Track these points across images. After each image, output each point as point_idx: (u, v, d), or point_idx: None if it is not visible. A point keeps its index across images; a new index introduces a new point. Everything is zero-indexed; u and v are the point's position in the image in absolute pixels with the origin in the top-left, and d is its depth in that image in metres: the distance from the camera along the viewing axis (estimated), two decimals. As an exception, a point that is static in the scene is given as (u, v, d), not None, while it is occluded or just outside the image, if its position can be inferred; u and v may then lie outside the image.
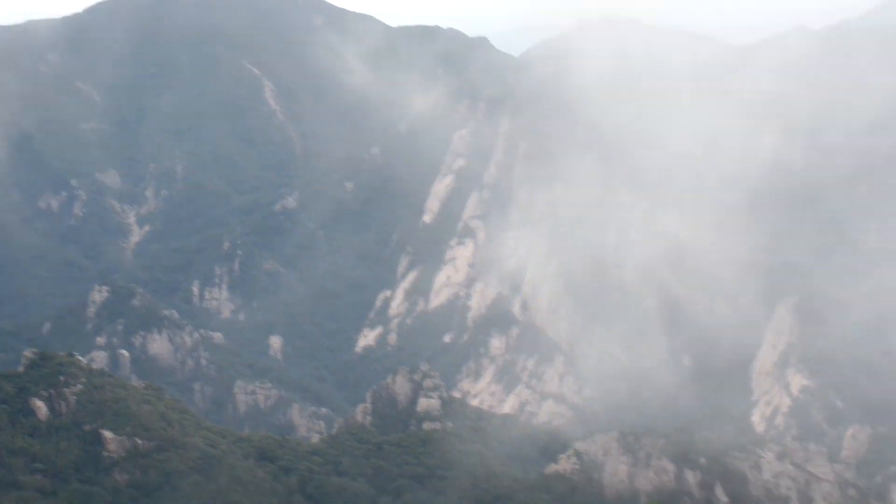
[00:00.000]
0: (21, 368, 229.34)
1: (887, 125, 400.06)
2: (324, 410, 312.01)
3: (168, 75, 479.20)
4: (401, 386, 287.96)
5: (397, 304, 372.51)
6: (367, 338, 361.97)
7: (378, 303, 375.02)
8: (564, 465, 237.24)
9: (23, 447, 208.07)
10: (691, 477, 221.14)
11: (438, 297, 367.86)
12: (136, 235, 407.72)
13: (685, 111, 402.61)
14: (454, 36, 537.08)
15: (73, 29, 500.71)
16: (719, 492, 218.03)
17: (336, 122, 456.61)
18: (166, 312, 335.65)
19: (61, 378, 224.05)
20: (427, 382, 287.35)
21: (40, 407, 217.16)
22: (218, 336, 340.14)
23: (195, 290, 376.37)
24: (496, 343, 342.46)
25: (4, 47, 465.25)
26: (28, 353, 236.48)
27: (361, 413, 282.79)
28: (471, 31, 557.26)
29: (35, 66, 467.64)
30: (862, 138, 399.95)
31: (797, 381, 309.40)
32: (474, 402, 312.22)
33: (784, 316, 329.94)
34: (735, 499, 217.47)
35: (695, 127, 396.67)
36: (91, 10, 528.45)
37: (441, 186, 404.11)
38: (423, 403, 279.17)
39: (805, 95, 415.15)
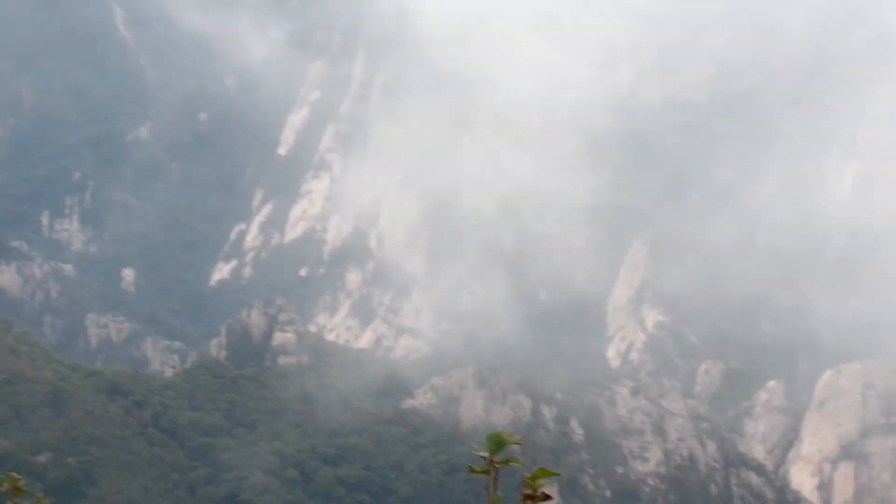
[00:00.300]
0: None
1: (735, 68, 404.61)
2: (177, 344, 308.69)
3: (15, 1, 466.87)
4: (256, 320, 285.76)
5: (252, 237, 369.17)
6: (222, 271, 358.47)
7: (233, 236, 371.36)
8: (421, 399, 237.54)
9: None
10: (547, 411, 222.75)
11: (294, 230, 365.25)
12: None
13: (532, 53, 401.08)
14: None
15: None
16: (574, 425, 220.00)
17: (189, 53, 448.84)
18: (15, 244, 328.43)
19: None
20: (282, 316, 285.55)
21: None
22: (68, 268, 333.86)
23: (45, 221, 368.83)
24: (352, 278, 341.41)
25: None
26: None
27: (216, 347, 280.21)
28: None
29: None
30: (709, 82, 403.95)
31: (652, 316, 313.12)
32: (330, 337, 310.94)
33: (638, 252, 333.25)
34: (590, 433, 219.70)
35: (540, 69, 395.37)
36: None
37: (296, 119, 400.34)
38: (279, 338, 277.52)
39: (651, 40, 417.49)
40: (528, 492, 10.16)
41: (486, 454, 10.70)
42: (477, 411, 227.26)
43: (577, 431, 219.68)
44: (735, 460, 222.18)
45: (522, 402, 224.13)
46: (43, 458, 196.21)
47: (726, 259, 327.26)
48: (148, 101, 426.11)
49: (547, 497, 10.12)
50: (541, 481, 10.19)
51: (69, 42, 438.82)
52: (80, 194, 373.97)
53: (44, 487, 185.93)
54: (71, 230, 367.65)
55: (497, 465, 10.47)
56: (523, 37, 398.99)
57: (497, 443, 10.75)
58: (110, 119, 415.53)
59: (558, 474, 10.17)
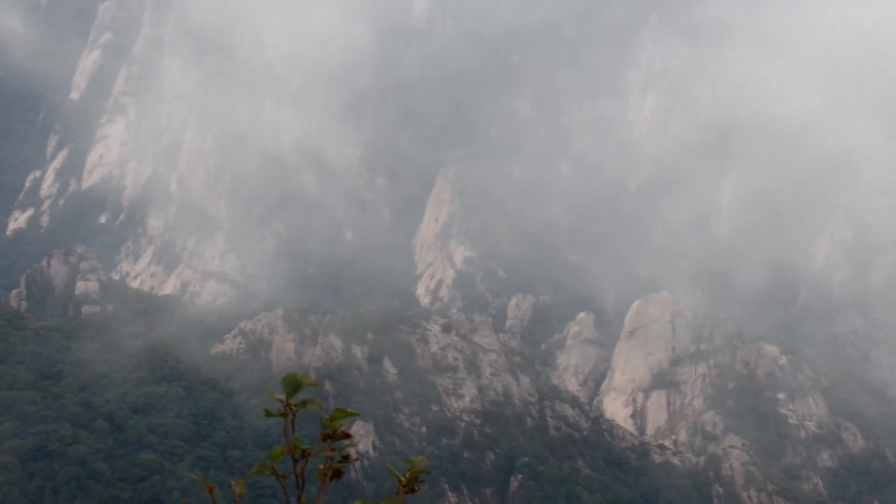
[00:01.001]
0: None
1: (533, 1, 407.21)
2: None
3: None
4: (56, 269, 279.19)
5: (48, 184, 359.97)
6: (18, 220, 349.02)
7: (28, 184, 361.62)
8: (230, 344, 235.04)
9: None
10: (359, 352, 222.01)
11: (91, 176, 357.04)
12: None
13: (293, 9, 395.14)
14: None
15: None
16: (388, 364, 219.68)
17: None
18: None
19: None
20: (84, 265, 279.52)
21: None
22: None
23: None
24: (154, 222, 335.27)
25: None
26: None
27: (16, 298, 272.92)
28: None
29: None
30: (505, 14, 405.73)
31: (460, 252, 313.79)
32: (134, 284, 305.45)
33: (443, 190, 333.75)
34: (403, 371, 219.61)
35: (303, 25, 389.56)
36: None
37: (88, 62, 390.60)
38: (81, 287, 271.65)
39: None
40: (327, 432, 10.16)
41: (283, 397, 10.31)
42: (288, 354, 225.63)
43: (391, 371, 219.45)
44: (549, 393, 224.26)
45: (333, 343, 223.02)
46: None
47: (531, 193, 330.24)
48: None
49: (347, 436, 10.28)
50: (340, 421, 10.26)
51: None
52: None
53: None
54: None
55: (293, 408, 10.36)
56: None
57: (293, 385, 10.46)
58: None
59: (356, 414, 10.32)
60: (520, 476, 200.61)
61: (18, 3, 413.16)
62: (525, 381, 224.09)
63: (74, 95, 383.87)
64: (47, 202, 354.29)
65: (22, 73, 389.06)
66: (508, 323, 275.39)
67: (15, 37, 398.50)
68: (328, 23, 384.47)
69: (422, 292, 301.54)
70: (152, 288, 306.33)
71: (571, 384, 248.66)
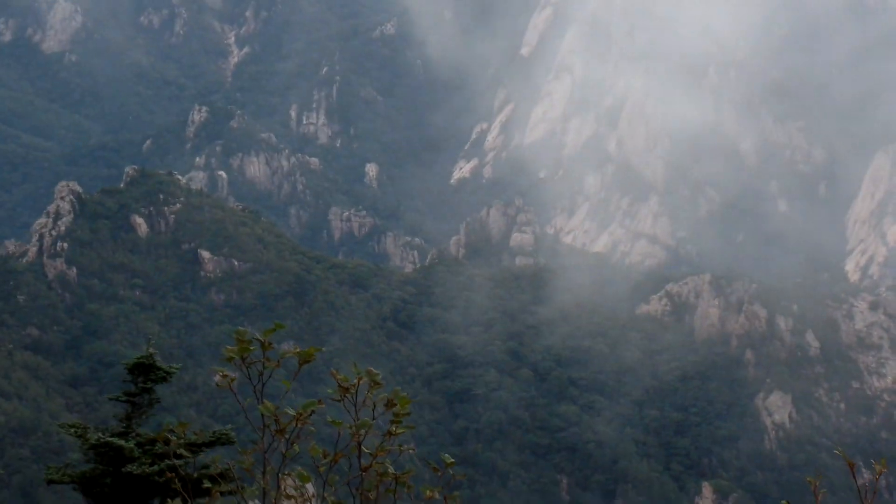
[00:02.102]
0: (122, 185, 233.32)
1: None
2: (417, 240, 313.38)
3: None
4: (495, 220, 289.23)
5: (493, 137, 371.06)
6: (463, 170, 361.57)
7: (474, 135, 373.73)
8: (655, 305, 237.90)
9: (123, 262, 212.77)
10: (783, 323, 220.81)
11: (534, 132, 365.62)
12: (236, 56, 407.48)
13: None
14: None
15: None
16: (810, 338, 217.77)
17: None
18: (264, 135, 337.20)
19: (161, 196, 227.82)
20: (521, 217, 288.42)
21: (140, 224, 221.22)
22: (314, 161, 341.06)
23: (293, 114, 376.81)
24: (591, 181, 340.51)
25: None
26: (129, 169, 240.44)
27: (455, 245, 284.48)
28: None
29: None
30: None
31: (894, 230, 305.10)
32: (567, 240, 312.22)
33: (882, 165, 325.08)
34: (826, 346, 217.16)
35: None
36: None
37: (539, 20, 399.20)
38: (517, 238, 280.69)
39: None
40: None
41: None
42: (712, 320, 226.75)
43: (813, 344, 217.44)
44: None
45: (758, 313, 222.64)
46: (286, 346, 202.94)
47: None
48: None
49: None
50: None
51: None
52: (328, 89, 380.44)
53: (285, 375, 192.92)
54: (317, 124, 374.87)
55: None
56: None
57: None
58: (358, 15, 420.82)
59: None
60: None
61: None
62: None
63: (524, 52, 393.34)
64: (491, 154, 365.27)
65: (474, 26, 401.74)
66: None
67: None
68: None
69: (851, 268, 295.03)
70: (584, 244, 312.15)
71: None
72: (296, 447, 11.15)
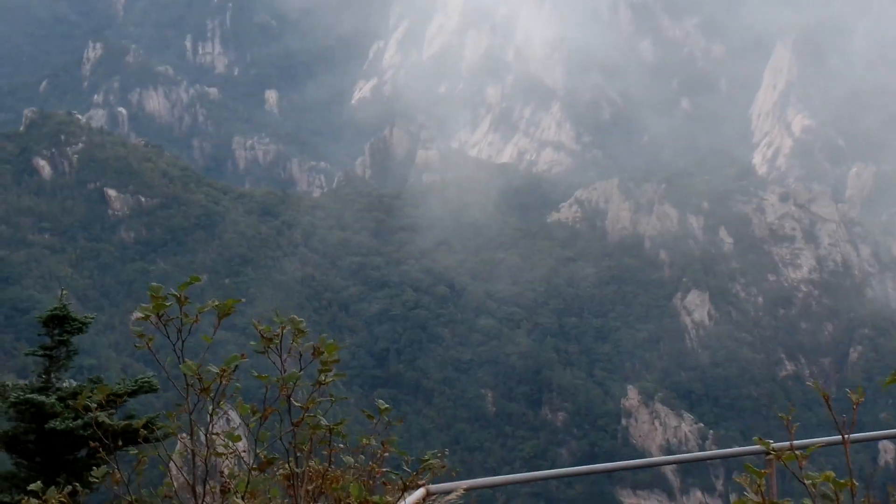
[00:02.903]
0: (22, 128, 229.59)
1: None
2: (322, 164, 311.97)
3: None
4: (398, 139, 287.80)
5: (390, 55, 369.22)
6: (363, 90, 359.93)
7: (371, 54, 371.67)
8: (566, 213, 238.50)
9: (29, 206, 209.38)
10: (694, 221, 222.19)
11: (431, 46, 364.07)
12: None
13: None
14: None
15: None
16: (723, 234, 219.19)
17: None
18: (161, 69, 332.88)
19: (62, 137, 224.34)
20: (424, 134, 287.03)
21: (43, 166, 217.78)
22: (213, 91, 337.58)
23: (188, 45, 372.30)
24: (492, 92, 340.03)
25: None
26: (28, 112, 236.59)
27: (360, 166, 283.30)
28: None
29: None
30: None
31: (798, 121, 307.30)
32: (472, 153, 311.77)
33: (781, 57, 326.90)
34: (739, 241, 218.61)
35: None
36: None
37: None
38: (422, 155, 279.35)
39: None
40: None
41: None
42: (623, 223, 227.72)
43: (727, 240, 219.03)
44: (891, 263, 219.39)
45: (669, 213, 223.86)
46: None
47: (875, 54, 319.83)
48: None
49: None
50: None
51: None
52: (221, 17, 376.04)
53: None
54: (214, 53, 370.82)
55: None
56: None
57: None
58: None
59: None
60: (859, 347, 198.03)
61: None
62: (865, 251, 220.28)
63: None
64: (389, 72, 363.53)
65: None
66: (848, 193, 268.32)
67: None
68: None
69: (758, 161, 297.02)
70: (489, 157, 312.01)
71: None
72: (223, 405, 10.83)
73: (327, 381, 11.26)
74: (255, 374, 11.38)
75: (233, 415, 11.45)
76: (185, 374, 11.10)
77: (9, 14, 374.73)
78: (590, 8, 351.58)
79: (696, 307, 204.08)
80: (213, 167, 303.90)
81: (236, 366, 11.34)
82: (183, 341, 11.26)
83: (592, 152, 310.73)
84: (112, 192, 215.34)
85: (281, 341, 11.18)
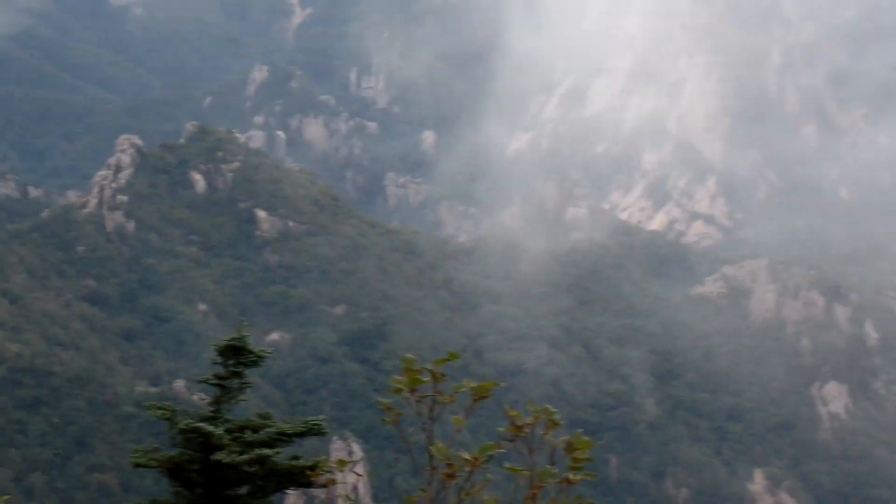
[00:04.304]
0: (182, 140, 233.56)
1: None
2: (472, 210, 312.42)
3: None
4: (550, 192, 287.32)
5: (552, 108, 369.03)
6: (520, 140, 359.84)
7: (532, 107, 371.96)
8: (710, 287, 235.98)
9: (181, 218, 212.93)
10: (841, 311, 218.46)
11: (593, 105, 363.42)
12: (299, 17, 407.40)
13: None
14: None
15: None
16: (870, 328, 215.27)
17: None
18: (323, 97, 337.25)
19: (220, 153, 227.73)
20: (577, 191, 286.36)
21: (199, 180, 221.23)
22: (372, 126, 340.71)
23: (352, 77, 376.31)
24: (649, 158, 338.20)
25: None
26: (190, 125, 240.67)
27: (509, 216, 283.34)
28: None
29: None
30: None
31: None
32: (623, 216, 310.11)
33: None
34: (886, 337, 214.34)
35: None
36: None
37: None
38: (572, 212, 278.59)
39: None
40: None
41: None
42: (768, 304, 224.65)
43: (872, 335, 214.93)
44: None
45: (815, 300, 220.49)
46: (338, 310, 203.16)
47: None
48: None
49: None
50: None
51: None
52: (388, 54, 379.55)
53: (337, 338, 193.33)
54: (377, 88, 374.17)
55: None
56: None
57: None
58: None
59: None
60: None
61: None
62: None
63: (586, 25, 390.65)
64: (548, 126, 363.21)
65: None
66: None
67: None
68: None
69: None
70: (639, 222, 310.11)
71: None
72: (465, 496, 10.10)
73: (576, 479, 10.72)
74: (508, 465, 10.82)
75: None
76: (430, 455, 10.57)
77: (184, 29, 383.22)
78: (756, 84, 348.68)
79: (833, 399, 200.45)
80: (364, 200, 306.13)
81: (490, 455, 10.83)
82: (433, 419, 10.79)
83: (744, 230, 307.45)
84: (262, 214, 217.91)
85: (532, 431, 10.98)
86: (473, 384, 10.37)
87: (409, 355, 10.32)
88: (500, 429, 10.48)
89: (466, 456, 10.04)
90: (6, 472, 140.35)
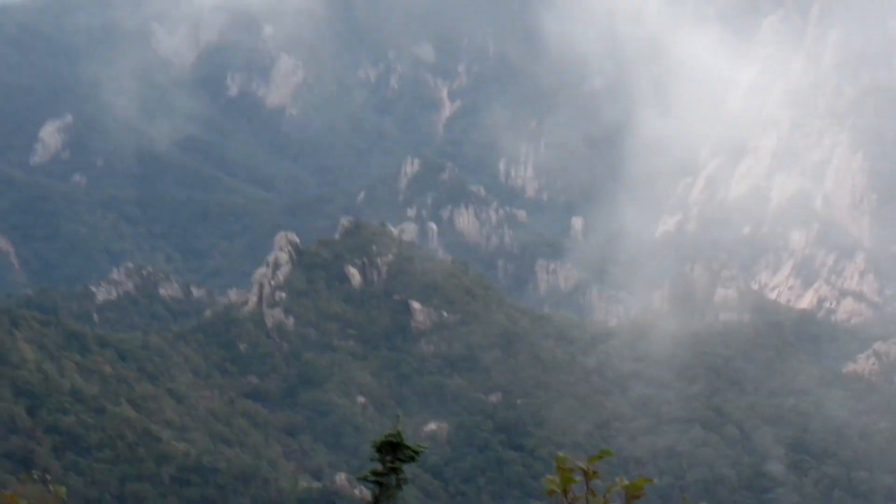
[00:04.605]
0: (337, 236, 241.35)
1: None
2: (622, 294, 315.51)
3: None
4: (699, 275, 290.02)
5: (698, 190, 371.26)
6: (667, 224, 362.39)
7: (679, 189, 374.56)
8: (863, 364, 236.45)
9: (337, 312, 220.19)
10: None
11: (739, 186, 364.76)
12: (448, 109, 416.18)
13: None
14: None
15: None
16: None
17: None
18: (473, 188, 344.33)
19: (374, 247, 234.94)
20: (725, 273, 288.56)
21: (354, 274, 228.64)
22: (522, 214, 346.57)
23: (501, 167, 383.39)
24: (796, 237, 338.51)
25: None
26: (344, 220, 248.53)
27: (659, 299, 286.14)
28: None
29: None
30: None
31: None
32: (771, 296, 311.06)
33: None
34: None
35: None
36: None
37: (745, 76, 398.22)
38: (721, 294, 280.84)
39: None
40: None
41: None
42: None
43: None
44: None
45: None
46: (494, 398, 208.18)
47: None
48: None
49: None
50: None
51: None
52: (536, 143, 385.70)
53: (493, 426, 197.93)
54: (525, 177, 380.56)
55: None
56: None
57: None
58: (567, 70, 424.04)
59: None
60: None
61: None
62: None
63: (729, 105, 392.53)
64: (695, 209, 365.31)
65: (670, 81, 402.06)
66: None
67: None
68: None
69: None
70: (789, 301, 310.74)
71: None
72: None
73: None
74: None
75: None
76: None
77: (336, 127, 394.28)
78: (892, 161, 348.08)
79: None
80: (515, 288, 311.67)
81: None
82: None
83: (894, 306, 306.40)
84: (416, 305, 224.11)
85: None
86: (626, 483, 10.72)
87: (560, 454, 10.87)
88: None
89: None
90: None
